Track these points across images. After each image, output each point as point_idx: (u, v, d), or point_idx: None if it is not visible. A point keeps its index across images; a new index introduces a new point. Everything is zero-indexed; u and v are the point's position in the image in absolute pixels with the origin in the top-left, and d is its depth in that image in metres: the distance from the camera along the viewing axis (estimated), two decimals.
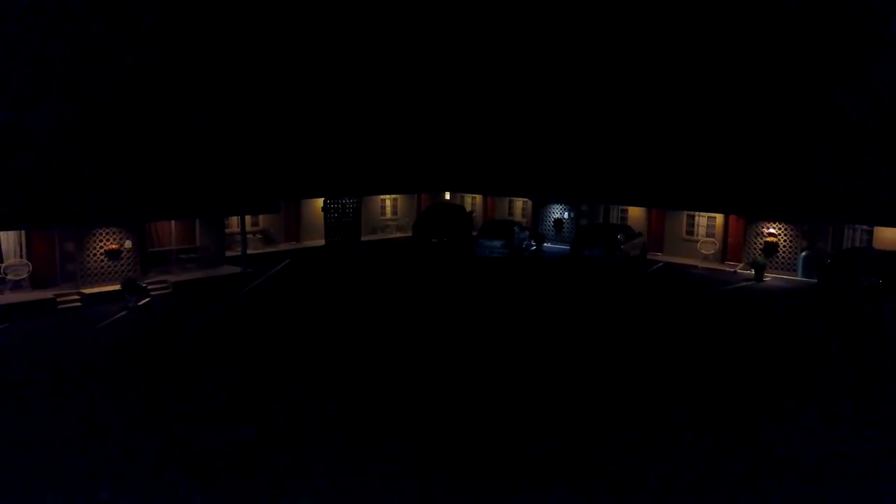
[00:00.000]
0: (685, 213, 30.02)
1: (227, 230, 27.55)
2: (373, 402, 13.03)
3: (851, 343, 17.59)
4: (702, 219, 29.59)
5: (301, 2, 31.94)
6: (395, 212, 37.71)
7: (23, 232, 21.35)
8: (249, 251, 27.43)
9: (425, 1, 36.08)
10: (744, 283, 25.16)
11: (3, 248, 21.20)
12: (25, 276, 21.34)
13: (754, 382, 14.49)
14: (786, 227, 26.55)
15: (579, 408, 12.90)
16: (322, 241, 32.44)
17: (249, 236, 28.83)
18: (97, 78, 23.36)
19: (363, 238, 34.43)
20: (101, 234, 22.34)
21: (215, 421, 12.09)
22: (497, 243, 30.06)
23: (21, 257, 21.49)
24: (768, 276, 26.10)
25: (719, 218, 28.88)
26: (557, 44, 34.97)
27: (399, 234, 36.76)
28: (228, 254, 27.01)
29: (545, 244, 33.55)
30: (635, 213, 32.08)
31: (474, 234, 33.40)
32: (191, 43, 26.44)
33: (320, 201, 32.33)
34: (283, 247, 31.39)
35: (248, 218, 27.56)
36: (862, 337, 18.20)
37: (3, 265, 21.02)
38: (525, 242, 32.35)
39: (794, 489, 9.81)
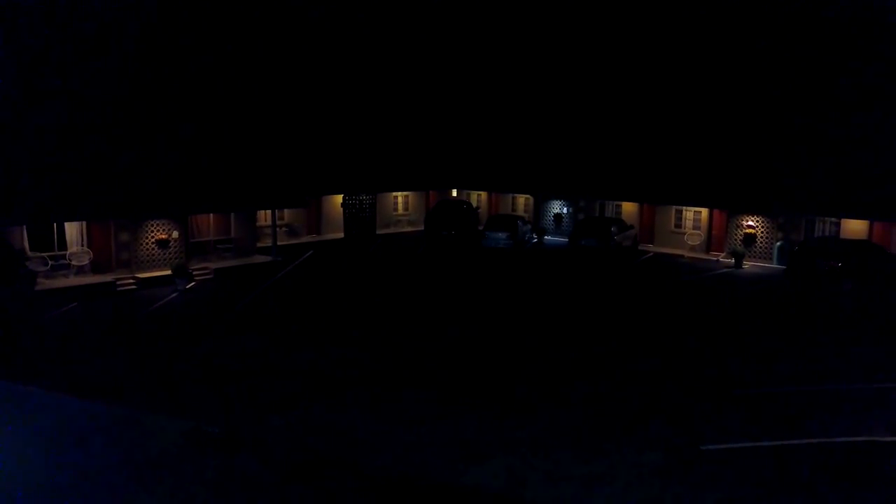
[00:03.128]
0: (674, 207, 32.90)
1: (256, 223, 30.35)
2: (405, 358, 15.86)
3: (803, 313, 20.44)
4: (689, 213, 32.45)
5: (325, 16, 34.67)
6: (406, 208, 40.54)
7: (83, 223, 24.21)
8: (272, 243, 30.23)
9: (436, 12, 38.84)
10: (725, 270, 27.98)
11: (66, 237, 24.07)
12: (87, 262, 24.18)
13: (718, 341, 17.32)
14: (763, 219, 29.39)
15: (578, 355, 15.75)
16: (341, 235, 35.28)
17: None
18: (150, 87, 26.01)
19: (378, 232, 37.25)
20: (151, 225, 25.18)
21: (279, 370, 14.94)
22: (502, 235, 32.91)
23: (82, 246, 24.34)
24: (747, 264, 28.92)
25: (704, 212, 31.73)
26: (554, 55, 37.69)
27: (410, 229, 39.59)
28: (258, 245, 29.81)
29: (546, 237, 36.41)
30: (628, 208, 34.93)
31: (480, 227, 36.20)
32: (226, 55, 29.10)
33: (340, 197, 35.19)
34: (305, 239, 34.24)
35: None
36: (814, 308, 21.03)
37: (68, 252, 23.87)
38: (527, 235, 35.19)
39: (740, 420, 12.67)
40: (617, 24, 35.08)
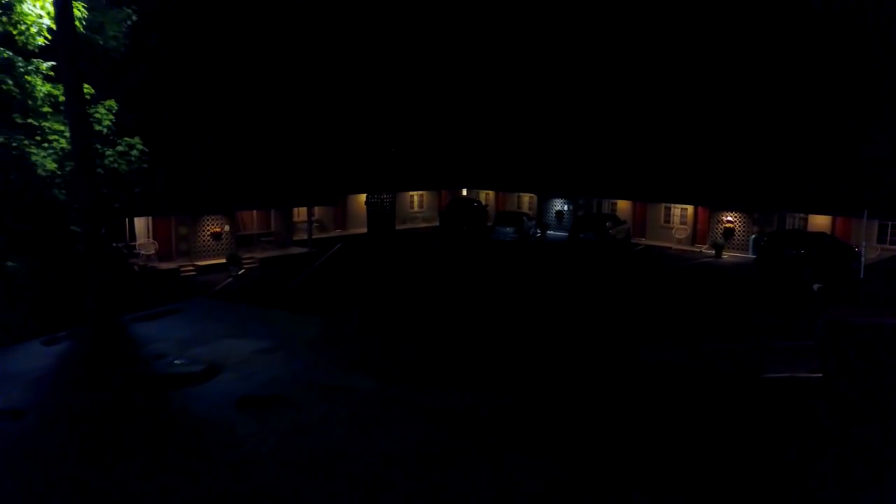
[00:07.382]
0: (663, 205, 36.70)
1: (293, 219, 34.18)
2: (437, 321, 19.74)
3: (767, 293, 24.29)
4: (676, 209, 36.26)
5: (344, 29, 38.44)
6: (421, 206, 44.39)
7: (150, 218, 28.05)
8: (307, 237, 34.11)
9: (447, 24, 42.63)
10: (706, 260, 31.81)
11: (136, 230, 27.93)
12: (153, 252, 28.04)
13: (691, 311, 21.18)
14: (740, 215, 33.21)
15: (579, 323, 19.62)
16: (364, 230, 39.12)
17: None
18: (203, 101, 29.74)
19: (396, 227, 41.09)
20: (207, 220, 29.03)
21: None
22: (509, 230, 36.76)
23: (148, 238, 28.19)
24: (726, 255, 32.73)
25: (690, 209, 35.52)
26: (554, 69, 41.47)
27: (425, 225, 43.43)
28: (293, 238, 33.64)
29: (548, 231, 40.29)
30: (623, 206, 38.73)
31: (489, 223, 40.01)
32: (269, 75, 32.85)
33: (363, 196, 39.03)
34: (333, 233, 38.09)
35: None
36: (776, 290, 24.87)
37: (137, 243, 27.73)
38: (532, 230, 39.05)
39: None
40: (608, 37, 38.82)
